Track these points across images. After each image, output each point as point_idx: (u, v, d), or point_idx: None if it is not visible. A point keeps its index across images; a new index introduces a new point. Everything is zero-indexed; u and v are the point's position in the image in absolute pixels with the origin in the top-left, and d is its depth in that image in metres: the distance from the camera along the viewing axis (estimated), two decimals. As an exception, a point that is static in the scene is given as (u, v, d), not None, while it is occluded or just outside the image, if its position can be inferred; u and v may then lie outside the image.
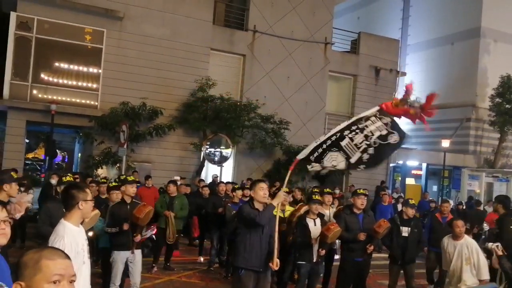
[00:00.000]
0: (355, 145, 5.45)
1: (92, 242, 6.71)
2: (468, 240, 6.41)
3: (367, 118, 5.64)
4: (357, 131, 5.49)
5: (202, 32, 18.38)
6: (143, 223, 7.03)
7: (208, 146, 16.52)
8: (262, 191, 5.66)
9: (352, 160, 5.44)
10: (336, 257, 9.01)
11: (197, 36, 18.26)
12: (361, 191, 7.59)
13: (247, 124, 17.84)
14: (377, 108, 5.74)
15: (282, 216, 8.06)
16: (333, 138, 5.46)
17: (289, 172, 5.72)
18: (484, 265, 6.22)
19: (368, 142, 5.50)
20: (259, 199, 5.65)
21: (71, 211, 3.87)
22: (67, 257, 2.05)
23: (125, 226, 6.79)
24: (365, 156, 5.47)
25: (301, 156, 5.61)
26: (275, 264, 5.50)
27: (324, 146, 5.47)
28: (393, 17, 31.03)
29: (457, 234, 6.38)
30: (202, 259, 11.13)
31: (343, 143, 5.45)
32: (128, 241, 6.86)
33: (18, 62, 16.02)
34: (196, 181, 13.58)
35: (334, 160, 5.49)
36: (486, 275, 6.22)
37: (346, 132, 5.49)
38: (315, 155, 5.51)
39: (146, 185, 12.62)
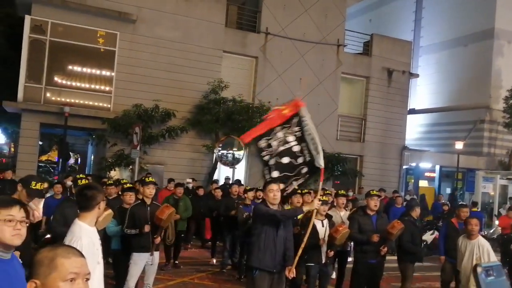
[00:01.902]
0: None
1: (105, 243, 6.72)
2: (481, 241, 6.37)
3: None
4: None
5: (214, 35, 18.43)
6: (165, 225, 7.00)
7: (220, 148, 16.51)
8: (272, 193, 5.69)
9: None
10: (350, 259, 8.95)
11: (210, 38, 18.30)
12: (374, 192, 7.52)
13: (259, 126, 17.79)
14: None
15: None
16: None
17: (321, 182, 6.24)
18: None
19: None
20: (269, 201, 5.69)
21: (90, 211, 3.89)
22: (82, 255, 2.06)
23: (147, 228, 6.71)
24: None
25: (322, 164, 6.07)
26: (291, 272, 5.52)
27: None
28: (406, 19, 30.89)
29: (469, 232, 6.33)
30: (214, 260, 11.13)
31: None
32: (149, 243, 6.80)
33: (32, 65, 16.16)
34: (212, 187, 13.60)
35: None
36: None
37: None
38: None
39: (168, 188, 12.65)
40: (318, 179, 16.94)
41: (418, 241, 8.20)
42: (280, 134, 6.20)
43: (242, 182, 16.13)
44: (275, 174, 6.03)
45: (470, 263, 6.16)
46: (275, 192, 5.70)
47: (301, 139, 6.19)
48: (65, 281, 1.92)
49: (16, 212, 2.70)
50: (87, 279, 2.01)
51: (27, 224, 2.79)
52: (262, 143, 6.19)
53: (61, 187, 10.70)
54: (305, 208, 5.87)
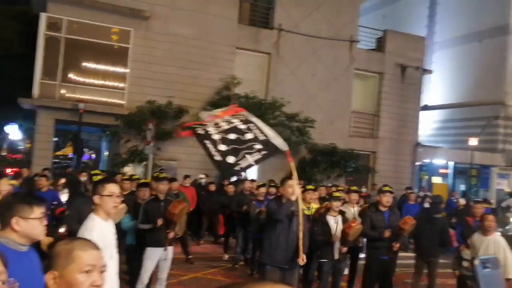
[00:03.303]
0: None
1: (119, 239, 6.78)
2: (497, 237, 6.28)
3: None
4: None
5: (227, 31, 18.45)
6: (178, 219, 7.06)
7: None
8: (290, 189, 5.71)
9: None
10: (362, 255, 8.93)
11: (223, 35, 18.33)
12: (387, 188, 7.49)
13: (272, 122, 17.78)
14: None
15: (308, 213, 8.04)
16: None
17: (292, 164, 5.84)
18: (510, 264, 6.08)
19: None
20: (288, 196, 5.72)
21: (96, 205, 3.97)
22: (98, 248, 2.14)
23: (159, 222, 6.79)
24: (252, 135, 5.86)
25: (284, 146, 5.84)
26: (301, 259, 5.51)
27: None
28: (419, 14, 30.60)
29: (486, 228, 6.23)
30: (227, 256, 11.17)
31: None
32: (162, 238, 6.85)
33: (47, 62, 16.34)
34: (224, 183, 13.65)
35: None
36: (511, 274, 6.10)
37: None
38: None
39: (184, 184, 12.71)
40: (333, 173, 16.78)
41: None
42: (219, 121, 5.95)
43: (254, 178, 16.16)
44: (222, 147, 5.64)
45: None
46: (293, 188, 5.71)
47: (246, 121, 5.98)
48: (82, 272, 2.01)
49: (44, 209, 2.87)
50: (103, 271, 2.09)
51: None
52: (200, 130, 5.85)
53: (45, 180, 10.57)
54: (293, 198, 5.74)
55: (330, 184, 14.66)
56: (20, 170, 13.57)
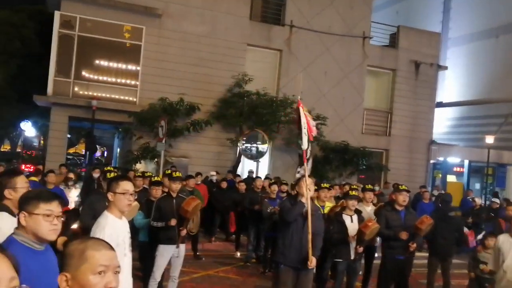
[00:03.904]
0: None
1: (133, 236, 6.78)
2: None
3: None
4: None
5: (239, 28, 18.41)
6: (191, 216, 7.05)
7: (244, 142, 16.54)
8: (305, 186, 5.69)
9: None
10: (376, 255, 8.83)
11: (234, 32, 18.30)
12: (403, 187, 7.37)
13: (283, 119, 17.77)
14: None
15: (322, 212, 7.98)
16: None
17: (305, 164, 6.04)
18: None
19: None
20: (303, 194, 5.67)
21: (109, 203, 3.93)
22: (112, 248, 2.06)
23: (173, 222, 6.76)
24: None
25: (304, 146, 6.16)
26: (310, 261, 5.46)
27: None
28: (434, 10, 30.26)
29: None
30: (239, 254, 11.15)
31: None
32: (175, 235, 6.85)
33: (61, 60, 16.46)
34: (236, 180, 13.62)
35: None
36: None
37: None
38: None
39: (195, 181, 12.69)
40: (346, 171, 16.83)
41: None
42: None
43: (266, 175, 16.13)
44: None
45: None
46: (309, 186, 5.69)
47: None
48: (95, 273, 1.93)
49: (55, 207, 2.73)
50: (117, 272, 2.01)
51: (62, 219, 2.83)
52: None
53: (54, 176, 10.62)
54: (303, 200, 5.76)
55: (343, 183, 14.56)
56: (39, 167, 13.68)
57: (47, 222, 2.67)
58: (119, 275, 3.70)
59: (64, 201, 2.95)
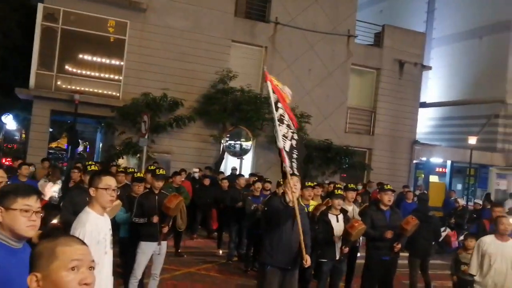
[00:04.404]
0: (283, 135, 5.87)
1: (113, 231, 6.69)
2: None
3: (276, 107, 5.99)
4: (278, 122, 5.87)
5: (223, 24, 18.32)
6: (173, 214, 6.99)
7: (228, 138, 16.49)
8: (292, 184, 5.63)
9: (287, 148, 5.83)
10: (359, 254, 8.83)
11: (219, 28, 18.20)
12: (388, 186, 7.33)
13: (267, 116, 17.73)
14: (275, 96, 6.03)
15: (306, 211, 7.96)
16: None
17: (284, 164, 5.76)
18: None
19: (292, 130, 6.05)
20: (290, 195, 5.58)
21: (91, 198, 3.84)
22: (84, 243, 1.95)
23: (155, 219, 6.70)
24: (293, 143, 5.98)
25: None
26: (305, 260, 5.39)
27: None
28: (418, 10, 30.45)
29: (502, 232, 5.80)
30: (221, 252, 11.12)
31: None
32: (156, 232, 6.78)
33: (44, 53, 16.26)
34: (219, 177, 13.58)
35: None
36: None
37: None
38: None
39: (181, 178, 12.59)
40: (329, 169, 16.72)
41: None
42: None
43: (249, 173, 16.11)
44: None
45: (504, 268, 5.71)
46: (295, 183, 5.59)
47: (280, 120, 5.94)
48: (68, 270, 1.81)
49: (33, 202, 2.62)
50: (92, 268, 1.90)
51: (41, 215, 2.73)
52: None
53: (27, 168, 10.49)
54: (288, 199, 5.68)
55: (327, 182, 14.59)
56: (19, 161, 13.45)
57: (24, 217, 2.56)
58: (100, 273, 3.66)
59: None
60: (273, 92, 5.89)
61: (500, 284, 5.75)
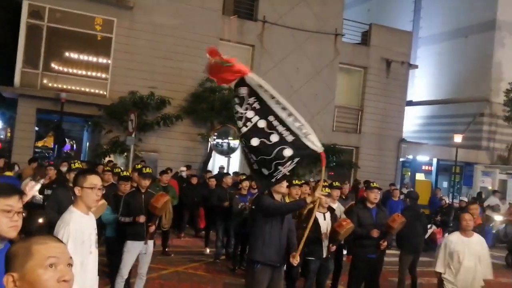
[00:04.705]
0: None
1: (99, 231, 6.65)
2: (480, 237, 6.04)
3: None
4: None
5: (211, 22, 18.27)
6: (160, 213, 6.94)
7: (215, 137, 16.46)
8: (283, 189, 5.64)
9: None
10: (344, 252, 8.85)
11: (206, 26, 18.14)
12: (374, 184, 7.34)
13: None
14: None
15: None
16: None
17: (323, 168, 5.45)
18: (490, 263, 5.98)
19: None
20: (279, 190, 5.56)
21: (76, 197, 3.79)
22: (60, 241, 1.93)
23: (141, 219, 6.65)
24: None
25: (319, 146, 5.42)
26: (296, 259, 5.39)
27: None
28: (405, 9, 30.65)
29: (464, 227, 5.90)
30: (208, 250, 11.08)
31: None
32: (143, 231, 6.73)
33: (29, 51, 16.10)
34: (207, 176, 13.55)
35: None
36: (491, 275, 6.00)
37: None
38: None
39: (168, 177, 12.54)
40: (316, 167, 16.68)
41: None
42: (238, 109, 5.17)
43: (237, 171, 16.11)
44: (253, 156, 5.17)
45: (472, 264, 5.81)
46: (284, 182, 5.60)
47: (262, 112, 5.17)
48: (45, 267, 1.78)
49: (15, 202, 2.58)
50: (70, 265, 1.86)
51: (24, 215, 2.69)
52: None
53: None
54: (309, 200, 5.67)
55: (312, 180, 14.61)
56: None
57: (6, 218, 2.52)
58: (85, 272, 3.63)
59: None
60: (239, 85, 5.29)
61: (471, 280, 5.84)
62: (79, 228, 3.64)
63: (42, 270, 1.78)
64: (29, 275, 1.78)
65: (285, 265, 6.10)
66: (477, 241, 5.97)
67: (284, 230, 5.51)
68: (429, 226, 14.18)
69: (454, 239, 6.01)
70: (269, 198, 5.58)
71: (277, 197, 5.57)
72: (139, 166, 8.27)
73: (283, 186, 5.61)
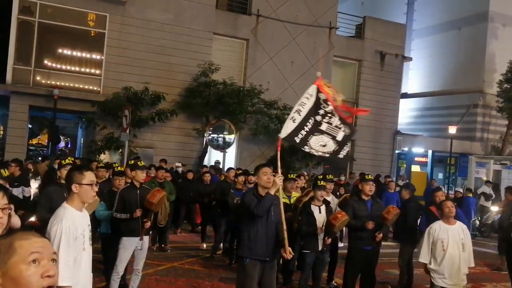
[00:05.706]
0: (336, 126, 5.91)
1: (94, 228, 6.58)
2: (463, 225, 6.06)
3: (325, 101, 6.13)
4: (329, 114, 5.94)
5: (205, 17, 18.18)
6: (156, 209, 6.87)
7: (211, 132, 16.39)
8: (265, 176, 5.44)
9: (339, 138, 5.85)
10: (340, 244, 8.84)
11: (200, 20, 18.06)
12: (369, 176, 7.37)
13: (250, 109, 17.69)
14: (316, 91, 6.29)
15: (288, 202, 7.94)
16: (310, 122, 5.80)
17: (278, 153, 5.85)
18: (471, 251, 5.98)
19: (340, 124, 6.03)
20: (263, 184, 5.45)
21: (70, 194, 3.74)
22: (43, 237, 1.87)
23: (138, 213, 6.57)
24: (347, 131, 6.01)
25: (283, 135, 5.76)
26: (288, 252, 5.36)
27: (306, 129, 5.76)
28: (398, 1, 30.60)
29: (447, 215, 5.90)
30: (204, 245, 11.05)
31: (323, 128, 5.85)
32: (138, 227, 6.66)
33: (21, 47, 15.96)
34: (202, 171, 13.49)
35: (321, 142, 5.81)
36: (472, 262, 6.01)
37: (318, 118, 5.88)
38: (299, 137, 5.74)
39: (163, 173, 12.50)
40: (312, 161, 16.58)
41: None
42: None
43: (233, 166, 16.04)
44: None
45: (456, 252, 5.81)
46: (268, 175, 5.45)
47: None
48: (28, 263, 1.73)
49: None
50: (54, 260, 1.82)
51: (10, 211, 2.63)
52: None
53: None
54: (271, 191, 5.37)
55: (305, 173, 14.59)
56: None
57: None
58: (79, 269, 3.57)
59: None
60: (319, 91, 6.22)
61: (456, 268, 5.84)
62: (72, 224, 3.60)
63: (25, 265, 1.74)
64: (12, 271, 1.73)
65: (281, 259, 6.06)
66: (460, 228, 5.98)
67: (271, 224, 5.43)
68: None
69: (437, 227, 6.00)
70: (249, 194, 5.51)
71: (262, 191, 5.43)
72: (132, 162, 8.21)
73: (263, 178, 5.47)
